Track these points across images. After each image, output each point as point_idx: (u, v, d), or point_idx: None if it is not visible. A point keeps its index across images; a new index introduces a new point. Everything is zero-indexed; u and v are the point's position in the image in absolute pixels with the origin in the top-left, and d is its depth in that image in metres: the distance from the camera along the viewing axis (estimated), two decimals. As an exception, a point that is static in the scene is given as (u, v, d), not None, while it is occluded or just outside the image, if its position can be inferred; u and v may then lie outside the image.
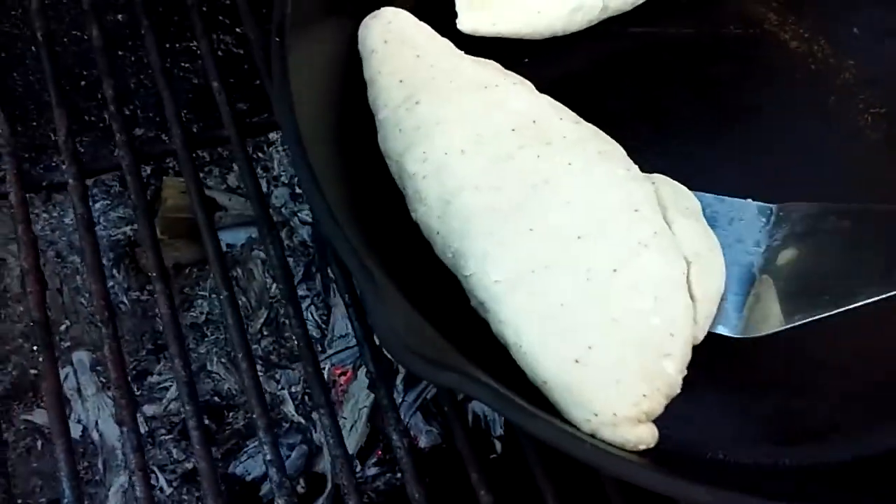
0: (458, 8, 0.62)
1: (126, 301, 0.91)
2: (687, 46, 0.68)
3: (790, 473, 0.51)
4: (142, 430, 0.71)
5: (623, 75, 0.66)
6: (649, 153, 0.57)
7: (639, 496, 0.53)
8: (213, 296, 0.92)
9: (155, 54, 0.62)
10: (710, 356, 0.51)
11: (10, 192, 0.58)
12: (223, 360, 0.89)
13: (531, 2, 0.61)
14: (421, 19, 0.61)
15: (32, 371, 0.86)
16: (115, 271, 0.92)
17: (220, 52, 0.96)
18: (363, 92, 0.58)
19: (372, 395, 0.84)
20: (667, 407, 0.47)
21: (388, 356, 0.57)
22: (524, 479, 0.58)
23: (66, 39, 0.91)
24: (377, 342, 0.58)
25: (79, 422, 0.84)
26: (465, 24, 0.62)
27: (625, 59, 0.67)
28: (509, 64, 0.60)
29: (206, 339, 0.90)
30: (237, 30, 0.96)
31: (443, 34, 0.61)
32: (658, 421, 0.47)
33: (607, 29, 0.66)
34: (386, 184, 0.56)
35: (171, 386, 0.87)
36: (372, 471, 0.83)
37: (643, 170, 0.55)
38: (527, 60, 0.63)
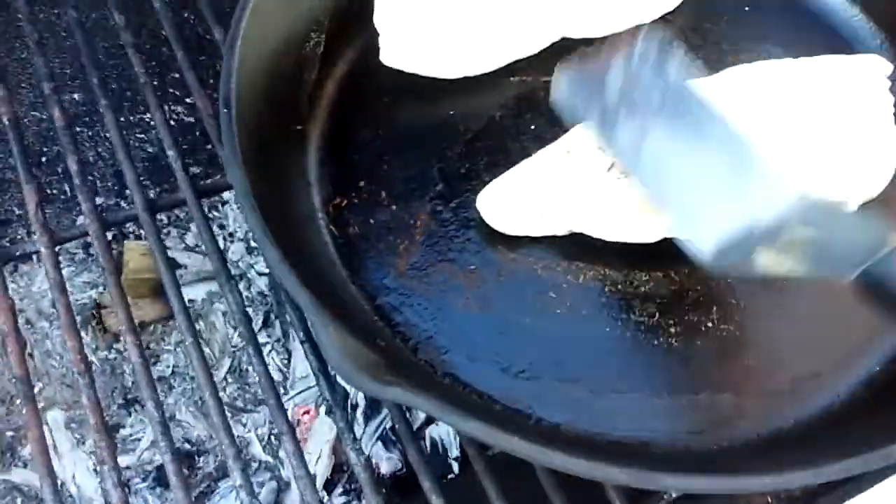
0: (380, 43, 0.69)
1: (95, 360, 0.96)
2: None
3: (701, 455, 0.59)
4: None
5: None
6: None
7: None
8: (178, 349, 0.97)
9: (114, 129, 0.69)
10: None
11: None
12: (191, 408, 0.94)
13: (444, 46, 0.69)
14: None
15: (9, 433, 0.90)
16: (82, 333, 0.97)
17: (172, 122, 1.02)
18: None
19: (334, 430, 0.90)
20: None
21: (341, 381, 0.63)
22: (479, 498, 0.64)
23: (27, 120, 0.97)
24: (331, 371, 0.65)
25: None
26: (386, 59, 0.69)
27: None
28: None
29: (173, 389, 0.95)
30: (187, 100, 1.03)
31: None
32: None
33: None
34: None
35: (142, 437, 0.92)
36: (339, 501, 0.88)
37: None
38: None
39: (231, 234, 1.04)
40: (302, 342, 0.67)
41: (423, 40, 0.69)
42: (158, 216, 1.01)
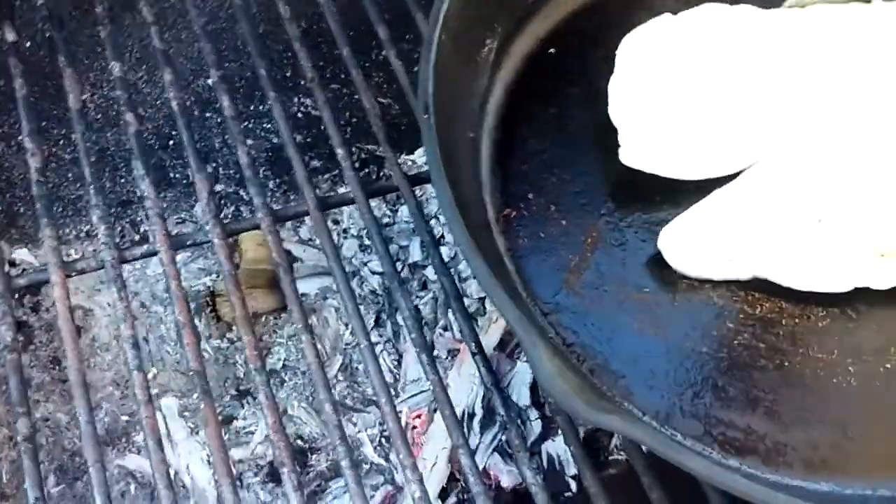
0: (621, 142, 0.66)
1: (209, 349, 0.95)
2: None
3: None
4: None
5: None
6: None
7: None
8: (290, 343, 0.96)
9: (282, 121, 0.68)
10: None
11: (160, 250, 0.63)
12: (303, 404, 0.93)
13: (686, 152, 0.65)
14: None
15: (124, 418, 0.90)
16: (196, 321, 0.96)
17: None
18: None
19: (450, 438, 0.88)
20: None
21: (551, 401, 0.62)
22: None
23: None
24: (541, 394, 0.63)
25: (169, 466, 0.88)
26: (625, 159, 0.66)
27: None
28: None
29: (285, 384, 0.95)
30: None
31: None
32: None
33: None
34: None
35: (255, 430, 0.91)
36: (452, 510, 0.87)
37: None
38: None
39: (345, 231, 1.03)
40: (418, 351, 0.65)
41: (664, 142, 0.66)
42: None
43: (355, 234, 1.03)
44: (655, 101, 0.67)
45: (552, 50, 0.75)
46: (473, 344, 0.65)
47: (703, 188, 0.66)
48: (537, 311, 0.63)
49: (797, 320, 0.63)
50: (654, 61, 0.70)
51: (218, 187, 1.00)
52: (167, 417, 0.90)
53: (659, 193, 0.67)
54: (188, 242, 0.68)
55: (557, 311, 0.63)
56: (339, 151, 0.68)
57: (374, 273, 1.00)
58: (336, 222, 1.03)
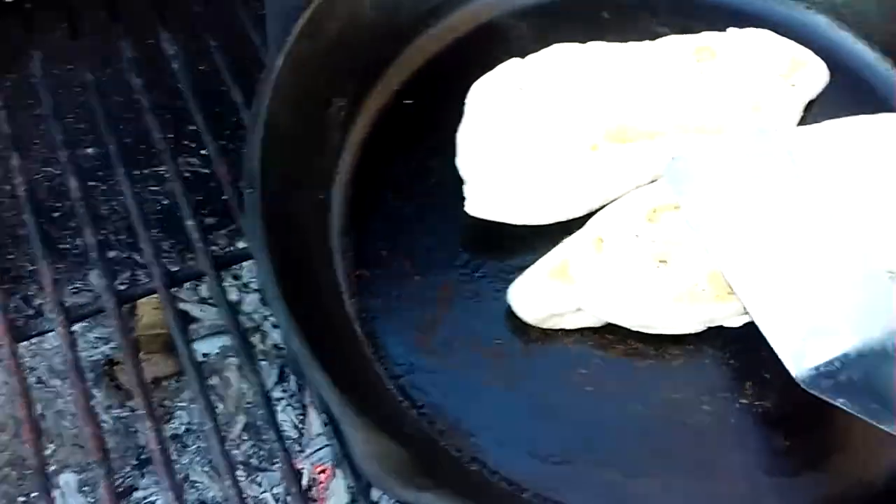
0: (466, 194, 0.66)
1: (109, 419, 0.94)
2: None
3: None
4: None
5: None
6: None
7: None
8: (193, 406, 0.95)
9: (128, 189, 0.68)
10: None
11: (55, 326, 0.62)
12: (206, 468, 0.92)
13: (530, 198, 0.65)
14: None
15: (20, 499, 0.88)
16: (95, 391, 0.95)
17: (187, 174, 1.01)
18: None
19: (351, 493, 0.88)
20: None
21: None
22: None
23: (39, 177, 0.96)
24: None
25: (68, 543, 0.87)
26: (471, 209, 0.65)
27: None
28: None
29: (187, 448, 0.94)
30: (202, 152, 1.02)
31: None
32: None
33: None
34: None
35: (157, 500, 0.89)
36: (357, 566, 0.86)
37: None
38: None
39: (245, 285, 1.02)
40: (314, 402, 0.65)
41: (507, 189, 0.65)
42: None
43: (256, 288, 1.02)
44: (500, 148, 0.67)
45: (408, 101, 0.75)
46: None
47: (557, 232, 0.66)
48: (389, 374, 0.62)
49: (652, 361, 0.63)
50: (500, 107, 0.69)
51: (111, 253, 0.99)
52: (66, 494, 0.89)
53: (513, 241, 0.67)
54: (82, 313, 0.67)
55: (411, 372, 0.62)
56: (189, 223, 0.67)
57: (275, 327, 1.00)
58: (236, 277, 1.02)
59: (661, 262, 0.62)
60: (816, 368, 0.57)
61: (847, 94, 0.73)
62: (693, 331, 0.62)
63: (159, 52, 0.82)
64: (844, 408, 0.54)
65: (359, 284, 0.66)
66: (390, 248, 0.68)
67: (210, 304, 1.01)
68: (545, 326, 0.63)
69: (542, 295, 0.62)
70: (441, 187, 0.70)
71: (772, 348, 0.59)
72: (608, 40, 0.72)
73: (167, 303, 0.65)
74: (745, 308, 0.61)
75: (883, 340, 0.57)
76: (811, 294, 0.59)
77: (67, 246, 0.98)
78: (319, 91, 0.69)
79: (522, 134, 0.67)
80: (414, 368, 0.62)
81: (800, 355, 0.57)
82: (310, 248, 0.65)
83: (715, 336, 0.63)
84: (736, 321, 0.62)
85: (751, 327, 0.62)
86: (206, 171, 1.02)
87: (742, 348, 0.63)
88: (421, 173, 0.71)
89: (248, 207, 0.57)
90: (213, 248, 1.00)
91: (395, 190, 0.70)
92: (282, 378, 0.97)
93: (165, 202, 1.00)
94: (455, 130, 0.70)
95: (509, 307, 0.64)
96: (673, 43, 0.72)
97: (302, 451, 0.93)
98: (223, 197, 0.99)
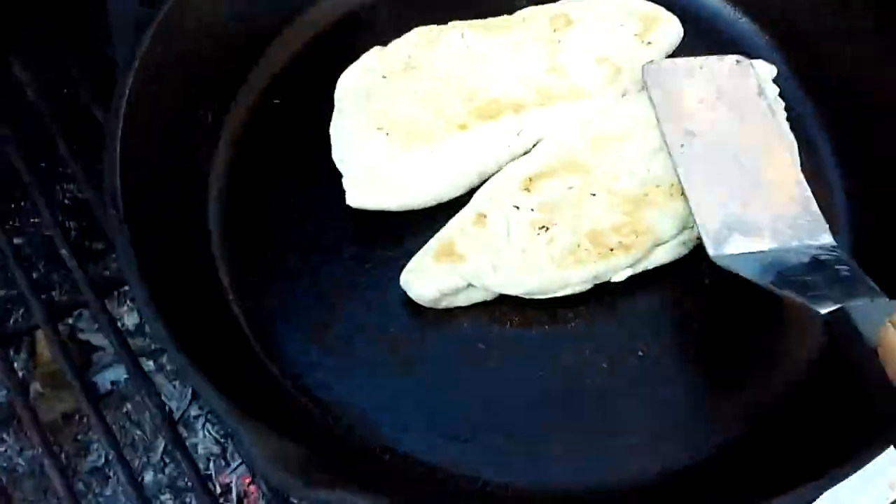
0: (345, 186, 0.66)
1: (22, 462, 0.91)
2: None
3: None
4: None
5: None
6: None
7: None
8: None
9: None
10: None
11: None
12: (129, 500, 0.90)
13: (406, 182, 0.66)
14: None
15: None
16: (4, 435, 0.92)
17: (67, 201, 0.98)
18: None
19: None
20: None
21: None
22: None
23: None
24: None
25: None
26: (352, 200, 0.65)
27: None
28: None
29: (109, 480, 0.91)
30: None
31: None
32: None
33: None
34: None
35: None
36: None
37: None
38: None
39: (147, 307, 1.00)
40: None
41: (382, 177, 0.66)
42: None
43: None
44: (372, 138, 0.67)
45: (277, 100, 0.74)
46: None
47: (442, 214, 0.66)
48: (287, 376, 0.61)
49: (547, 327, 0.64)
50: (368, 97, 0.69)
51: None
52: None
53: (399, 229, 0.67)
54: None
55: (311, 370, 0.62)
56: (63, 252, 0.65)
57: (184, 344, 0.98)
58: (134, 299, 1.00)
59: (541, 228, 0.63)
60: (731, 255, 0.61)
61: (702, 44, 0.75)
62: (581, 289, 0.63)
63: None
64: (753, 279, 0.58)
65: (247, 288, 0.65)
66: (275, 249, 0.67)
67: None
68: (440, 307, 0.64)
69: (433, 276, 0.62)
70: (320, 182, 0.69)
71: (659, 301, 0.62)
72: (467, 18, 0.73)
73: (50, 337, 0.63)
74: (629, 262, 0.62)
75: (798, 250, 0.61)
76: (743, 199, 0.63)
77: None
78: (178, 98, 0.67)
79: (392, 121, 0.67)
80: (314, 366, 0.62)
81: (720, 243, 0.61)
82: (189, 259, 0.63)
83: (604, 293, 0.64)
84: (621, 275, 0.64)
85: (636, 283, 0.64)
86: (84, 196, 0.99)
87: (632, 305, 0.64)
88: (298, 170, 0.70)
89: (112, 228, 0.55)
90: (106, 272, 0.97)
91: (275, 190, 0.69)
92: (196, 395, 0.96)
93: (48, 233, 0.97)
94: (328, 124, 0.70)
95: (403, 293, 0.64)
96: (529, 14, 0.72)
97: (228, 466, 0.91)
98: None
